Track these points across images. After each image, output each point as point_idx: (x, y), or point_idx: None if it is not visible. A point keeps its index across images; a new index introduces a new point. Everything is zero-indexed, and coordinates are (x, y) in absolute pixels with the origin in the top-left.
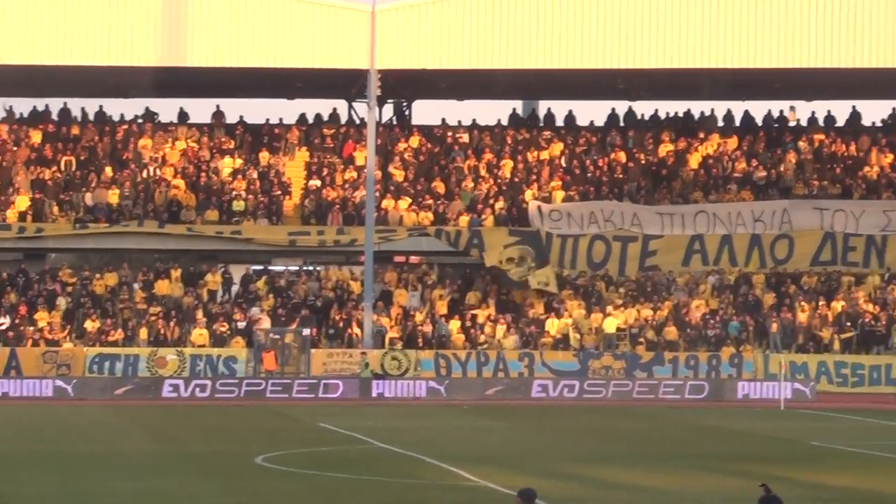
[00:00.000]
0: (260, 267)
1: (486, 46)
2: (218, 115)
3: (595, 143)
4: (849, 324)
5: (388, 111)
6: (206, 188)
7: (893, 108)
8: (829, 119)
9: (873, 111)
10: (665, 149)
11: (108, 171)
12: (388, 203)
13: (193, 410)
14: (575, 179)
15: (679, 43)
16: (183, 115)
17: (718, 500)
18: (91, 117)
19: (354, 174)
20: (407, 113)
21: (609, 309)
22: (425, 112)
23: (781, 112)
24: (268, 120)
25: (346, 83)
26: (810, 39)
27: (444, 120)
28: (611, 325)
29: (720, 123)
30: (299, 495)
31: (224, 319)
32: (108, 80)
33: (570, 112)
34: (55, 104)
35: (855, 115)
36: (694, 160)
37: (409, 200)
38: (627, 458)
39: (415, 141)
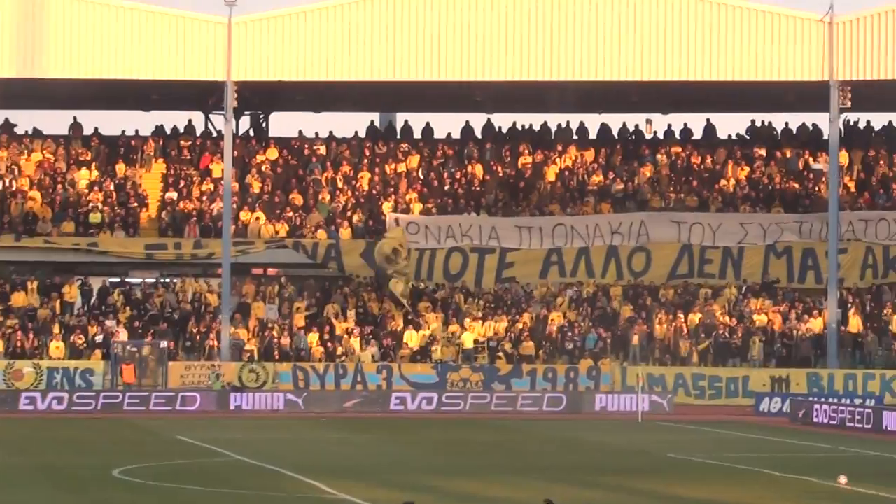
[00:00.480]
0: (117, 279)
1: (342, 58)
2: (74, 126)
3: (452, 156)
4: (703, 335)
5: (245, 123)
6: (63, 200)
7: (752, 121)
8: (686, 132)
9: (729, 124)
10: (522, 161)
11: None
12: (245, 215)
13: (50, 423)
14: (432, 192)
15: (536, 56)
16: (38, 128)
17: None
18: None
19: (211, 186)
20: (264, 125)
21: (467, 322)
22: (282, 124)
23: (637, 126)
24: (124, 132)
25: (203, 95)
26: (666, 53)
27: (301, 132)
28: (469, 338)
29: (577, 136)
30: None
31: (81, 332)
32: None
33: (428, 124)
34: None
35: (711, 128)
36: (551, 173)
37: (267, 213)
38: (486, 471)
39: (272, 153)
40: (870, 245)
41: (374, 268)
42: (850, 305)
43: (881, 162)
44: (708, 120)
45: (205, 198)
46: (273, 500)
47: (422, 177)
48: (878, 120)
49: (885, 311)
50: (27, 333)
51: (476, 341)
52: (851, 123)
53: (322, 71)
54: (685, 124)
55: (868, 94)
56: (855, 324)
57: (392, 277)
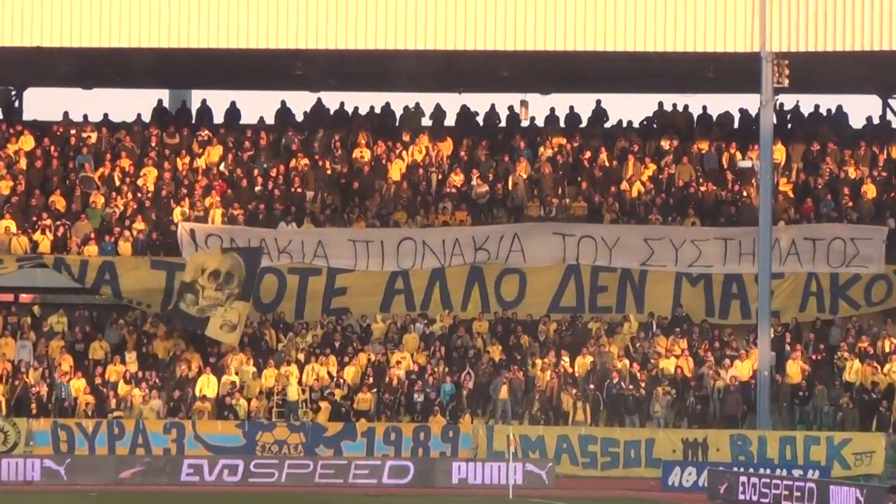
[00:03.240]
0: None
1: (121, 19)
2: None
3: (265, 147)
4: (592, 386)
5: None
6: None
7: (660, 104)
8: (573, 118)
9: (631, 108)
10: (358, 154)
11: None
12: None
13: None
14: (240, 195)
15: (377, 19)
16: None
17: None
18: None
19: None
20: (17, 104)
21: (284, 367)
22: (41, 104)
23: (511, 108)
24: None
25: None
26: (547, 16)
27: (66, 114)
28: (288, 384)
29: (429, 122)
30: None
31: None
32: None
33: (234, 105)
34: None
35: (605, 114)
36: (396, 170)
37: (19, 221)
38: None
39: (27, 142)
40: (814, 273)
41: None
42: (788, 347)
43: (828, 159)
44: (599, 102)
45: None
46: None
47: (225, 174)
48: (826, 104)
49: (836, 355)
50: None
51: (302, 391)
52: (790, 108)
53: (93, 35)
54: (572, 108)
55: (811, 71)
56: (795, 371)
57: (210, 319)
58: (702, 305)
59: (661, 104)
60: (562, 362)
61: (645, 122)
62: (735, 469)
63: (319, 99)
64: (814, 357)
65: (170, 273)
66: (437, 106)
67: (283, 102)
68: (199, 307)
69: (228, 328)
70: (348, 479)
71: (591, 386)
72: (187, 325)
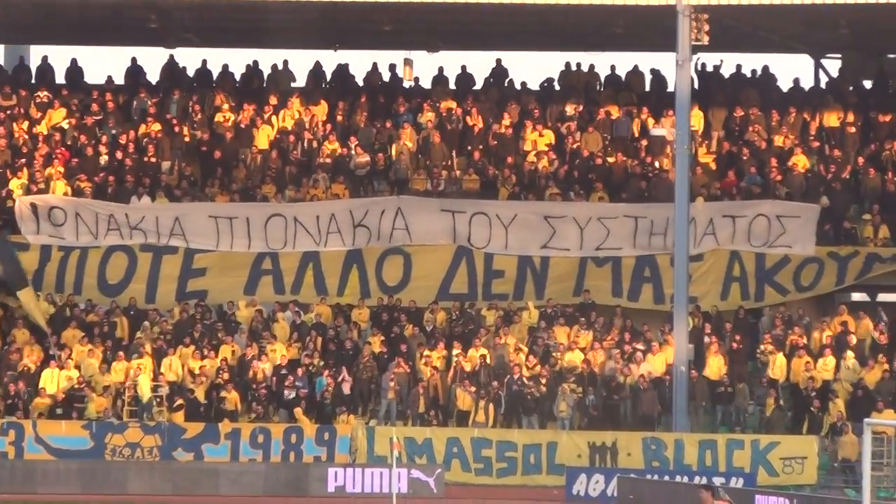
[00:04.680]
0: None
1: None
2: None
3: (114, 111)
4: (488, 382)
5: None
6: None
7: (567, 63)
8: (465, 79)
9: (530, 68)
10: (221, 119)
11: None
12: None
13: None
14: (85, 164)
15: None
16: None
17: None
18: None
19: None
20: None
21: (136, 360)
22: None
23: (394, 68)
24: None
25: None
26: None
27: None
28: (145, 383)
29: (301, 83)
30: None
31: None
32: None
33: (75, 63)
34: None
35: (501, 74)
36: (263, 137)
37: None
38: None
39: None
40: (736, 251)
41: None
42: (707, 338)
43: (753, 126)
44: (498, 61)
45: None
46: None
47: (69, 142)
48: (751, 64)
49: (760, 348)
50: None
51: (155, 387)
52: (710, 70)
53: None
54: (463, 68)
55: (734, 27)
56: (716, 366)
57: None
58: (608, 287)
59: (566, 64)
60: (454, 355)
61: (546, 84)
62: (649, 476)
63: (173, 56)
64: (737, 350)
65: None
66: (317, 64)
67: (133, 60)
68: None
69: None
70: (210, 486)
71: (493, 383)
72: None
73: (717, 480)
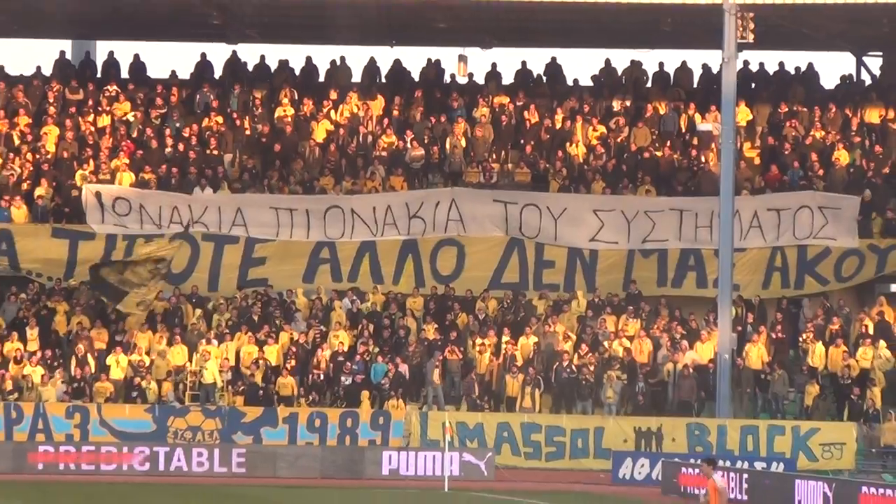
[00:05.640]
0: None
1: None
2: None
3: (178, 105)
4: (532, 370)
5: None
6: None
7: (607, 61)
8: (517, 75)
9: (580, 65)
10: (281, 114)
11: None
12: None
13: None
14: (150, 156)
15: None
16: None
17: None
18: None
19: None
20: None
21: (202, 344)
22: None
23: (444, 63)
24: None
25: None
26: None
27: None
28: (205, 365)
29: (357, 78)
30: None
31: None
32: None
33: (138, 58)
34: None
35: (554, 70)
36: (321, 130)
37: None
38: None
39: None
40: (779, 247)
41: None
42: (750, 328)
43: (796, 122)
44: (551, 59)
45: None
46: None
47: (134, 134)
48: (794, 61)
49: (801, 337)
50: None
51: (220, 372)
52: (755, 67)
53: None
54: (521, 64)
55: (778, 25)
56: (757, 355)
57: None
58: (654, 278)
59: (607, 61)
60: (504, 343)
61: (596, 80)
62: (692, 461)
63: (237, 52)
64: (778, 340)
65: (73, 242)
66: (372, 60)
67: (203, 55)
68: (122, 278)
69: (144, 306)
70: (269, 469)
71: (532, 370)
72: (103, 295)
73: (759, 465)
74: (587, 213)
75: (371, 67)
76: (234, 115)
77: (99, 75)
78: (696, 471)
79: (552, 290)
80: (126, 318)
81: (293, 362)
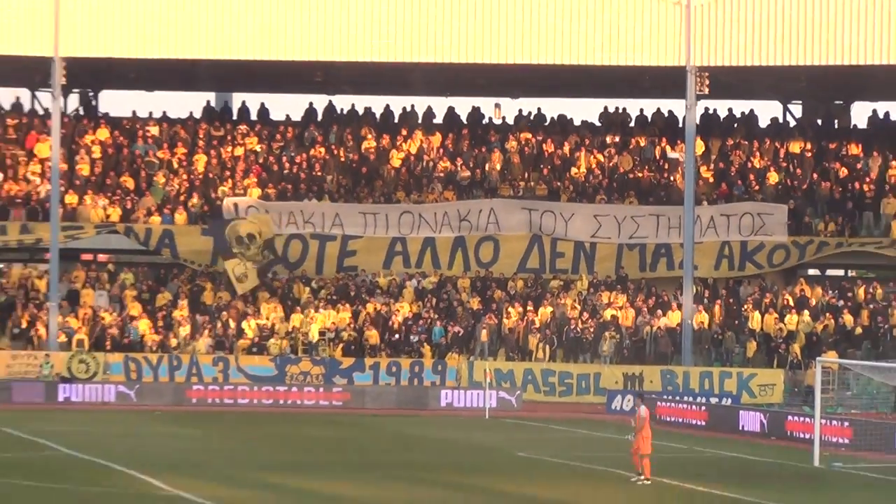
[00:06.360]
0: None
1: (177, 35)
2: None
3: (292, 139)
4: (549, 331)
5: (73, 101)
6: None
7: (605, 108)
8: (538, 117)
9: (582, 110)
10: (366, 146)
11: None
12: (73, 199)
13: None
14: (272, 176)
15: (381, 36)
16: None
17: None
18: None
19: (39, 167)
20: (94, 103)
21: (309, 311)
22: (113, 102)
23: (474, 108)
24: None
25: (29, 71)
26: (516, 35)
27: (134, 112)
28: (311, 328)
29: (423, 120)
30: None
31: None
32: None
33: (263, 106)
34: None
35: (563, 113)
36: (396, 158)
37: (97, 196)
38: (324, 468)
39: (102, 133)
40: (727, 241)
41: (217, 250)
42: (706, 301)
43: (739, 151)
44: (564, 105)
45: (32, 179)
46: (103, 497)
47: (261, 161)
48: (738, 108)
49: (743, 308)
50: None
51: (322, 333)
52: (710, 111)
53: (155, 47)
54: (537, 110)
55: (727, 81)
56: (711, 320)
57: (234, 257)
58: (637, 264)
59: (605, 108)
60: (528, 311)
61: (594, 122)
62: (665, 397)
63: (332, 101)
64: (727, 309)
65: (216, 239)
66: (428, 107)
67: (310, 104)
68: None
69: (237, 278)
70: (359, 402)
71: (548, 331)
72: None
73: (713, 400)
74: (589, 217)
75: (431, 112)
76: (333, 147)
77: (234, 118)
78: (669, 403)
79: (563, 273)
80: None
81: (375, 325)
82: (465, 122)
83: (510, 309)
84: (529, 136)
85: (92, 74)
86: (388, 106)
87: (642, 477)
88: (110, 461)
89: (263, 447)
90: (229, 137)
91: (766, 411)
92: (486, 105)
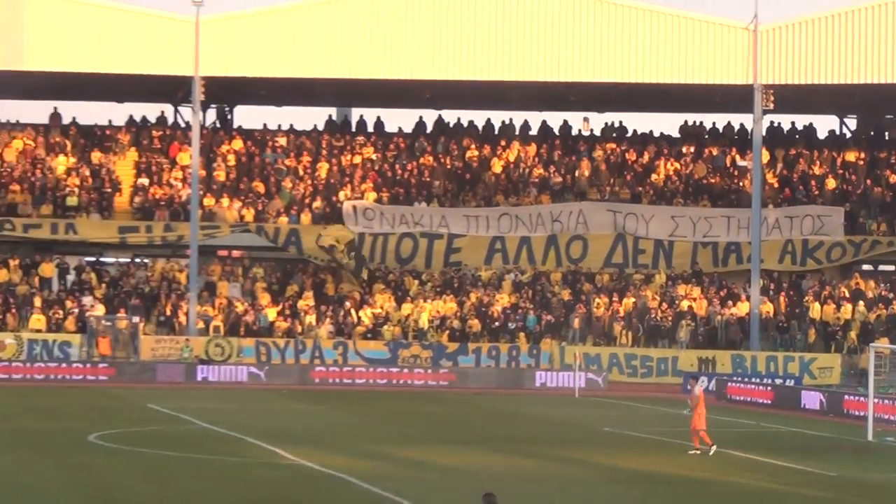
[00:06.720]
0: (92, 259)
1: (303, 56)
2: (54, 116)
3: (404, 149)
4: (634, 320)
5: (211, 115)
6: (42, 184)
7: (686, 121)
8: (621, 129)
9: (661, 123)
10: (470, 155)
11: None
12: (210, 201)
13: (30, 391)
14: (386, 182)
15: (484, 57)
16: (19, 118)
17: (515, 480)
18: None
19: (180, 174)
20: (229, 117)
21: (419, 302)
22: (246, 117)
23: (567, 122)
24: (95, 122)
25: (173, 88)
26: (603, 56)
27: (264, 125)
28: (421, 316)
29: (520, 132)
30: (129, 471)
31: (59, 307)
32: None
33: (379, 119)
34: None
35: (645, 126)
36: (497, 166)
37: (232, 199)
38: (433, 441)
39: (237, 143)
40: (790, 239)
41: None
42: (772, 293)
43: (801, 160)
44: (643, 119)
45: (174, 184)
46: (236, 465)
47: (376, 168)
48: (800, 121)
49: (805, 299)
50: (9, 308)
51: (430, 320)
52: (775, 124)
53: (284, 68)
54: (620, 122)
55: (790, 97)
56: (776, 310)
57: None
58: (710, 260)
59: (686, 122)
60: (613, 302)
61: (671, 133)
62: (735, 378)
63: (441, 115)
64: (791, 301)
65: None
66: (525, 121)
67: (420, 118)
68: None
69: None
70: (463, 382)
71: (633, 319)
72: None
73: (778, 381)
74: (667, 218)
75: (527, 125)
76: (440, 156)
77: (353, 130)
78: (738, 384)
79: (644, 268)
80: (372, 284)
81: (477, 313)
82: (557, 133)
83: (597, 300)
84: (614, 146)
85: (228, 91)
86: (489, 119)
87: (709, 448)
88: (242, 434)
89: (377, 422)
90: (348, 147)
91: (825, 391)
92: (576, 119)
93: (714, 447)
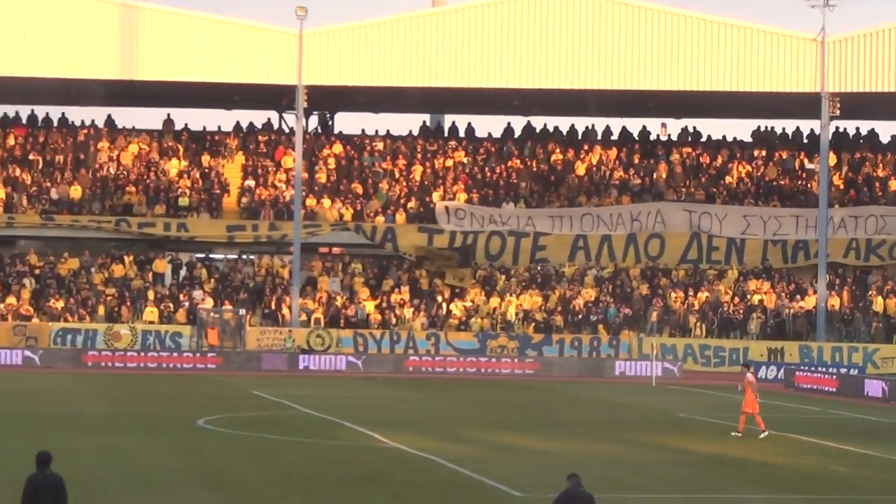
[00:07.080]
0: (202, 255)
1: (399, 66)
2: (167, 122)
3: (494, 153)
4: (710, 313)
5: (313, 121)
6: (156, 186)
7: (759, 127)
8: (696, 134)
9: (734, 128)
10: (554, 158)
11: (70, 169)
12: (313, 201)
13: (144, 379)
14: (476, 184)
15: (568, 66)
16: (135, 124)
17: (597, 463)
18: (55, 123)
19: (284, 176)
20: (330, 123)
21: (506, 296)
22: (346, 123)
23: (644, 127)
24: (205, 127)
25: (277, 96)
26: (680, 66)
27: (363, 130)
28: (508, 309)
29: (602, 137)
30: (236, 453)
31: (171, 300)
32: (71, 89)
33: (470, 125)
34: (24, 111)
35: (719, 132)
36: (580, 168)
37: (332, 199)
38: (520, 425)
39: (337, 148)
40: (854, 237)
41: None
42: (837, 287)
43: (866, 164)
44: (717, 125)
45: (279, 186)
46: (334, 448)
47: (467, 171)
48: (865, 126)
49: (868, 293)
50: (124, 301)
51: (516, 313)
52: (840, 129)
53: (381, 77)
54: (695, 128)
55: (855, 104)
56: (841, 303)
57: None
58: (779, 257)
59: (759, 127)
60: (688, 296)
61: (743, 138)
62: (802, 367)
63: (529, 121)
64: (855, 294)
65: (430, 235)
66: (606, 126)
67: (508, 123)
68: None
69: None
70: (559, 371)
71: (709, 312)
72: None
73: (843, 371)
74: (739, 217)
75: (608, 130)
76: (527, 159)
77: (446, 135)
78: (805, 373)
79: (717, 264)
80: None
81: (561, 307)
82: (636, 138)
83: (673, 294)
84: (690, 150)
85: (329, 99)
86: (572, 125)
87: (761, 432)
88: (341, 419)
89: (467, 408)
90: (441, 151)
91: (887, 380)
92: (654, 124)
93: (766, 432)
